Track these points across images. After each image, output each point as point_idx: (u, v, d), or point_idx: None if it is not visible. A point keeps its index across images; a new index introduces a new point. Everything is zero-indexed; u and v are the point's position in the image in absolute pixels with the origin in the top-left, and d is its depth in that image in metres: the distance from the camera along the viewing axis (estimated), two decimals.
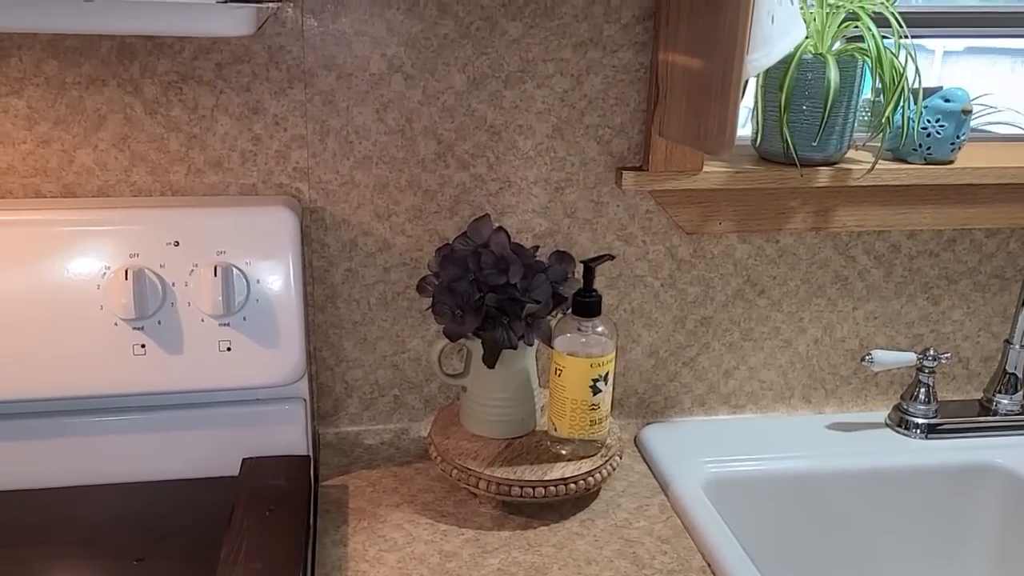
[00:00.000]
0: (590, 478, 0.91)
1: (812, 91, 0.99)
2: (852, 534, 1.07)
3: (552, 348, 0.92)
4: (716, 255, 1.08)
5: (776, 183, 1.02)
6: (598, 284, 0.93)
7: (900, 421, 1.12)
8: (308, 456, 0.96)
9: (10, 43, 0.89)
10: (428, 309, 0.95)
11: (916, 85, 1.01)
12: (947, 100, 1.04)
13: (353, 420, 1.08)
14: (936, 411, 1.11)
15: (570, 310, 0.92)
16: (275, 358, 0.91)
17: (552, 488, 0.89)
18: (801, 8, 0.95)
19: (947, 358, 1.10)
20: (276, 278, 0.90)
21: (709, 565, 0.85)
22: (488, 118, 0.99)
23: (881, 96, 1.00)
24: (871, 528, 1.08)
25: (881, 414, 1.15)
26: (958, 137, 1.05)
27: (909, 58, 0.98)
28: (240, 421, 0.95)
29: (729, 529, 0.90)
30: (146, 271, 0.87)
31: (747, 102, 1.05)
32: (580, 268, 0.92)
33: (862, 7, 0.98)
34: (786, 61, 0.95)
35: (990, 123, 1.25)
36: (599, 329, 0.91)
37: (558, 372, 0.91)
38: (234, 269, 0.88)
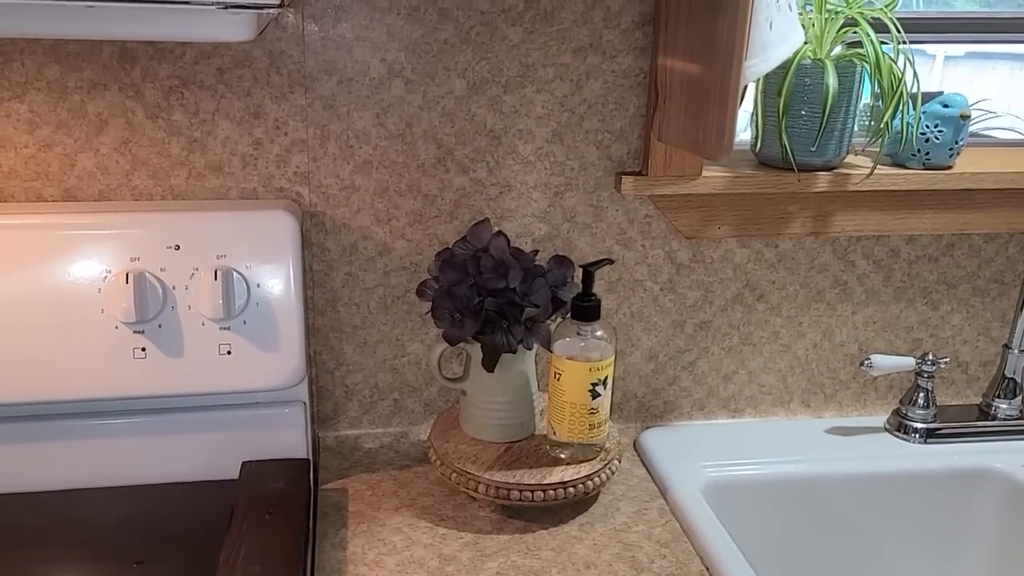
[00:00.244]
0: (589, 482, 0.91)
1: (811, 96, 0.99)
2: (851, 538, 1.08)
3: (551, 352, 0.92)
4: (715, 259, 1.08)
5: (775, 188, 1.02)
6: (597, 288, 0.93)
7: (899, 426, 1.12)
8: (308, 459, 0.96)
9: (12, 48, 0.89)
10: (428, 313, 0.95)
11: (915, 90, 1.01)
12: (946, 105, 1.05)
13: (353, 424, 1.08)
14: (935, 416, 1.11)
15: (569, 314, 0.92)
16: (275, 362, 0.91)
17: (551, 492, 0.89)
18: (800, 14, 0.95)
19: (946, 363, 1.10)
20: (276, 282, 0.90)
21: (708, 569, 0.86)
22: (488, 123, 0.99)
23: (880, 101, 1.00)
24: (870, 532, 1.08)
25: (880, 418, 1.15)
26: (956, 142, 1.05)
27: (907, 63, 0.99)
28: (240, 424, 0.95)
29: (728, 533, 0.90)
30: (147, 275, 0.87)
31: (747, 107, 1.05)
32: (579, 272, 0.92)
33: (861, 13, 0.98)
34: (785, 66, 0.96)
35: (989, 128, 1.26)
36: (598, 333, 0.91)
37: (557, 376, 0.91)
38: (234, 273, 0.89)
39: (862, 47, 0.99)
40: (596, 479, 0.92)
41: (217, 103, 0.94)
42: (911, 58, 0.99)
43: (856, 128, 1.04)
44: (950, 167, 1.06)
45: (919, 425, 1.11)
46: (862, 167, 1.04)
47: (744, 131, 1.12)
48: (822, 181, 1.02)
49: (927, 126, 1.04)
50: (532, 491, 0.89)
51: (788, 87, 0.98)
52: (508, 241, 0.92)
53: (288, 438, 0.96)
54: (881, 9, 0.99)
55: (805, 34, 0.96)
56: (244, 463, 0.94)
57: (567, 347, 0.91)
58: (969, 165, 1.07)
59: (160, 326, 0.88)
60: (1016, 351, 1.11)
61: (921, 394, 1.11)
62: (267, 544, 0.80)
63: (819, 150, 1.01)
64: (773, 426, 1.15)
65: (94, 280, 0.87)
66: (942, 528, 1.08)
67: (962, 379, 1.20)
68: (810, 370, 1.16)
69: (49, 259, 0.87)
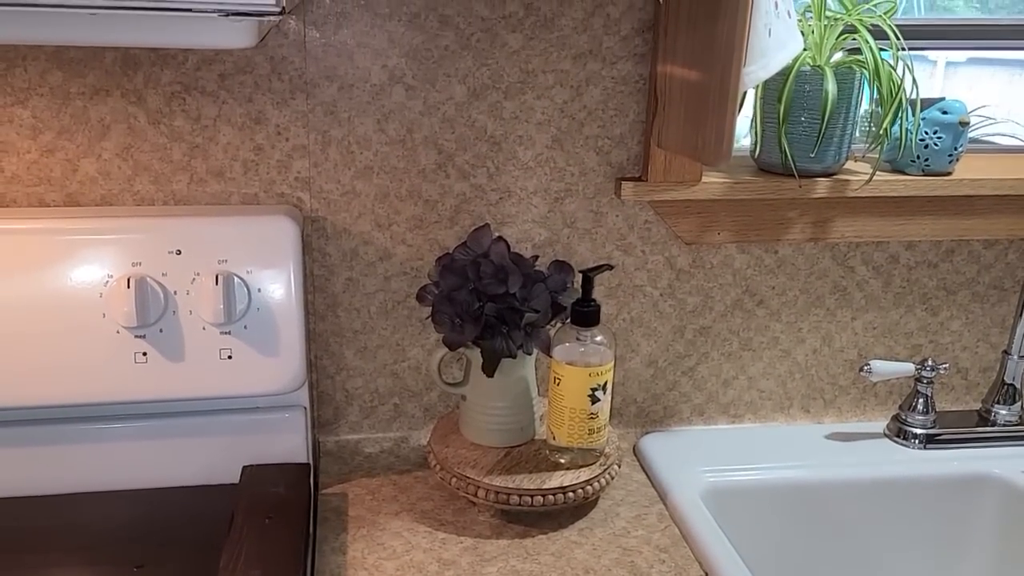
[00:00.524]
0: (588, 487, 0.91)
1: (810, 103, 0.99)
2: (850, 544, 1.08)
3: (551, 357, 0.92)
4: (715, 265, 1.08)
5: (775, 194, 1.03)
6: (597, 294, 0.93)
7: (899, 431, 1.12)
8: (308, 464, 0.97)
9: (16, 54, 0.90)
10: (428, 318, 0.95)
11: (914, 97, 1.01)
12: (945, 112, 1.05)
13: (353, 428, 1.09)
14: (935, 421, 1.11)
15: (569, 319, 0.92)
16: (276, 366, 0.91)
17: (551, 497, 0.90)
18: (799, 20, 0.95)
19: (946, 368, 1.10)
20: (277, 287, 0.91)
21: (707, 574, 0.86)
22: (488, 129, 0.99)
23: (879, 107, 1.01)
24: (869, 538, 1.08)
25: (880, 424, 1.15)
26: (956, 149, 1.05)
27: (907, 70, 0.99)
28: (240, 429, 0.95)
29: (727, 538, 0.90)
30: (148, 279, 0.88)
31: (747, 113, 1.05)
32: (579, 278, 0.92)
33: (860, 20, 0.99)
34: (785, 73, 0.96)
35: (989, 134, 1.26)
36: (598, 338, 0.92)
37: (557, 381, 0.92)
38: (235, 278, 0.89)
39: (861, 54, 0.99)
40: (595, 484, 0.92)
41: (219, 109, 0.94)
42: (910, 65, 0.99)
43: (856, 134, 1.05)
44: (949, 173, 1.07)
45: (919, 431, 1.11)
46: (861, 173, 1.04)
47: (744, 137, 1.12)
48: (821, 187, 1.03)
49: (926, 132, 1.04)
50: (532, 496, 0.89)
51: (788, 93, 0.98)
52: (508, 246, 0.92)
53: (288, 443, 0.96)
54: (880, 16, 0.99)
55: (804, 41, 0.97)
56: (245, 467, 0.94)
57: (567, 352, 0.91)
58: (968, 171, 1.07)
59: (161, 331, 0.89)
60: (1015, 357, 1.11)
61: (921, 400, 1.11)
62: (267, 548, 0.80)
63: (818, 156, 1.01)
64: (773, 431, 1.15)
65: (96, 285, 0.88)
66: (942, 534, 1.08)
67: (962, 385, 1.20)
68: (810, 376, 1.16)
69: (51, 264, 0.87)
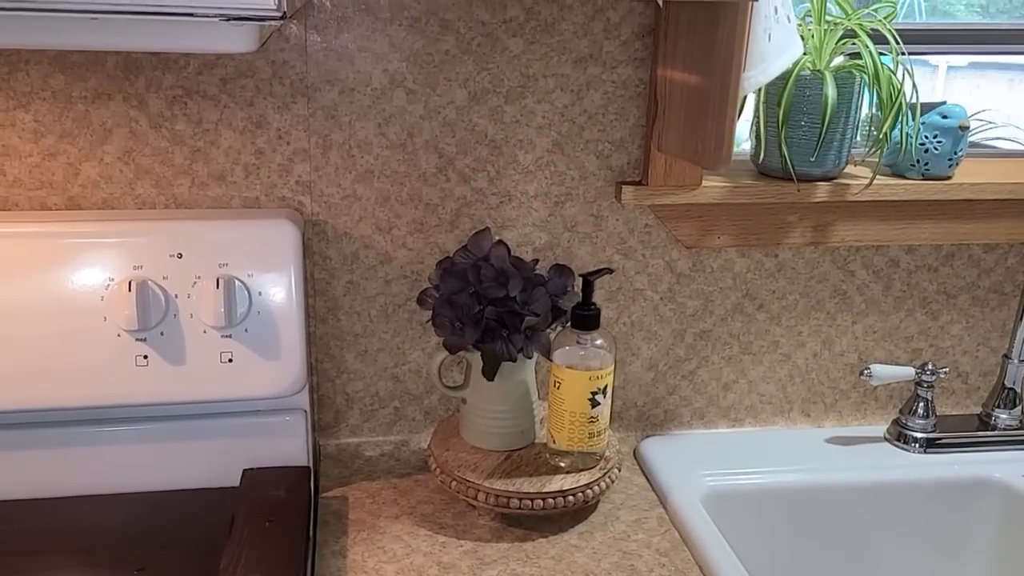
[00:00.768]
0: (588, 490, 0.91)
1: (810, 107, 0.99)
2: (850, 548, 1.07)
3: (551, 361, 0.92)
4: (715, 269, 1.09)
5: (775, 198, 1.03)
6: (597, 297, 0.93)
7: (899, 435, 1.12)
8: (308, 467, 0.97)
9: (18, 58, 0.90)
10: (428, 321, 0.95)
11: (914, 101, 1.01)
12: (944, 116, 1.05)
13: (353, 432, 1.09)
14: (935, 425, 1.11)
15: (569, 323, 0.92)
16: (276, 370, 0.91)
17: (551, 500, 0.90)
18: (799, 25, 0.96)
19: (946, 372, 1.10)
20: (278, 290, 0.91)
21: None
22: (489, 133, 1.00)
23: (879, 112, 1.01)
24: (869, 542, 1.08)
25: (880, 428, 1.15)
26: (956, 153, 1.05)
27: (907, 74, 0.99)
28: (241, 432, 0.95)
29: (727, 542, 0.90)
30: (149, 283, 0.88)
31: (747, 117, 1.06)
32: (579, 281, 0.92)
33: (860, 24, 0.99)
34: (784, 77, 0.96)
35: (989, 138, 1.26)
36: (598, 342, 0.92)
37: (557, 385, 0.92)
38: (236, 281, 0.89)
39: (861, 58, 0.99)
40: (596, 488, 0.92)
41: (220, 113, 0.94)
42: (910, 69, 0.99)
43: (856, 139, 1.05)
44: (949, 177, 1.07)
45: (919, 435, 1.11)
46: (861, 177, 1.05)
47: (744, 141, 1.13)
48: (821, 191, 1.03)
49: (926, 137, 1.05)
50: (532, 499, 0.89)
51: (788, 98, 0.98)
52: (508, 250, 0.93)
53: (289, 446, 0.96)
54: (880, 21, 0.99)
55: (804, 45, 0.97)
56: (245, 471, 0.94)
57: (567, 356, 0.91)
58: (968, 175, 1.07)
59: (162, 334, 0.89)
60: (1016, 361, 1.11)
61: (921, 404, 1.11)
62: (267, 552, 0.81)
63: (818, 160, 1.01)
64: (773, 435, 1.15)
65: (97, 288, 0.88)
66: (942, 538, 1.08)
67: (962, 389, 1.20)
68: (810, 380, 1.16)
69: (52, 267, 0.87)
